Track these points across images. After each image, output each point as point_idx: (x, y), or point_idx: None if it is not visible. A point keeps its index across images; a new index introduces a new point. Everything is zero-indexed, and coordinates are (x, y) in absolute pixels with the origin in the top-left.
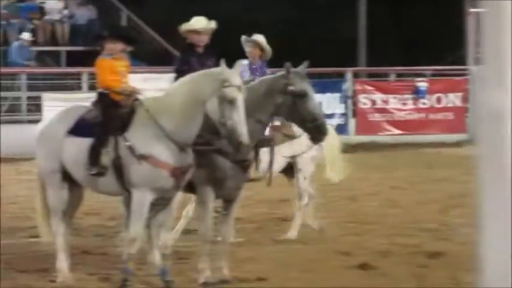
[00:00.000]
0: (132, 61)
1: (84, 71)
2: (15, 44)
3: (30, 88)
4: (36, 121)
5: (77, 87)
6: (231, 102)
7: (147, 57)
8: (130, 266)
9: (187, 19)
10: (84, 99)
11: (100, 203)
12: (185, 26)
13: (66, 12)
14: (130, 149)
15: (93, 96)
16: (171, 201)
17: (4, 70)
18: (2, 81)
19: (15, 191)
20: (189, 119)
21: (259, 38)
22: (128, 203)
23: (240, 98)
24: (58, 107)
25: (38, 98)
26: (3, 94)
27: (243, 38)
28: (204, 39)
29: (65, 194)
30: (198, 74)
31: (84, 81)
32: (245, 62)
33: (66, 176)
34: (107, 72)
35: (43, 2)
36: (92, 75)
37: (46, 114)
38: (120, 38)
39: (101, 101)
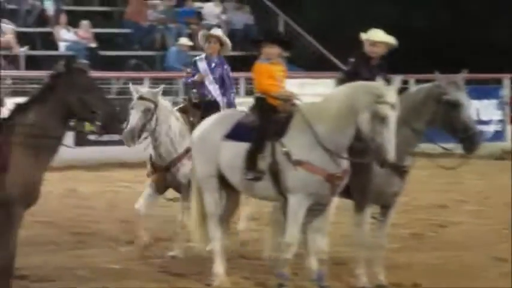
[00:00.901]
0: (289, 66)
1: (241, 75)
2: (172, 48)
3: (187, 93)
4: None
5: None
6: (383, 119)
7: (303, 62)
8: (286, 271)
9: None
10: (241, 104)
11: (257, 208)
12: (363, 35)
13: (223, 17)
14: (287, 154)
15: (250, 101)
16: (327, 207)
17: (162, 75)
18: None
19: (170, 195)
20: (342, 128)
21: (219, 32)
22: (284, 208)
23: (392, 116)
24: None
25: None
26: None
27: (202, 32)
28: (377, 51)
29: (221, 198)
30: (355, 85)
31: (242, 86)
32: (201, 56)
33: (223, 181)
34: (264, 77)
35: (201, 7)
36: (249, 80)
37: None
38: (277, 43)
39: (258, 105)
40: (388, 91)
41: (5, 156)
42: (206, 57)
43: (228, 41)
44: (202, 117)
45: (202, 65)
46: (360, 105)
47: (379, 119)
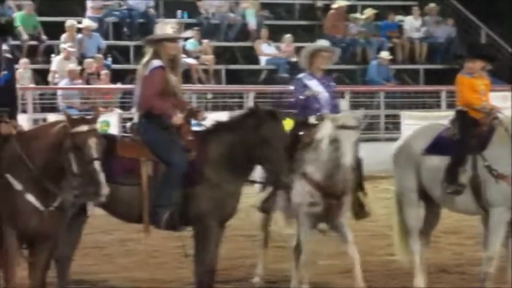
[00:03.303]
0: (491, 79)
1: (443, 89)
2: (373, 62)
3: (388, 106)
4: (394, 139)
5: (436, 106)
6: None
7: (505, 75)
8: (488, 285)
9: None
10: (442, 118)
11: (458, 222)
12: None
13: (424, 29)
14: (488, 168)
15: (451, 114)
16: None
17: (363, 88)
18: (360, 100)
19: (374, 209)
20: None
21: (327, 43)
22: (486, 221)
23: None
24: (416, 125)
25: (396, 116)
26: (362, 112)
27: (313, 46)
28: None
29: (421, 212)
30: None
31: (443, 99)
32: (305, 74)
33: (423, 194)
34: (466, 90)
35: (402, 20)
36: (451, 93)
37: (404, 133)
38: (480, 56)
39: (459, 119)
40: None
41: (200, 170)
42: (311, 74)
43: (336, 51)
44: None
45: (312, 84)
46: None
47: None
